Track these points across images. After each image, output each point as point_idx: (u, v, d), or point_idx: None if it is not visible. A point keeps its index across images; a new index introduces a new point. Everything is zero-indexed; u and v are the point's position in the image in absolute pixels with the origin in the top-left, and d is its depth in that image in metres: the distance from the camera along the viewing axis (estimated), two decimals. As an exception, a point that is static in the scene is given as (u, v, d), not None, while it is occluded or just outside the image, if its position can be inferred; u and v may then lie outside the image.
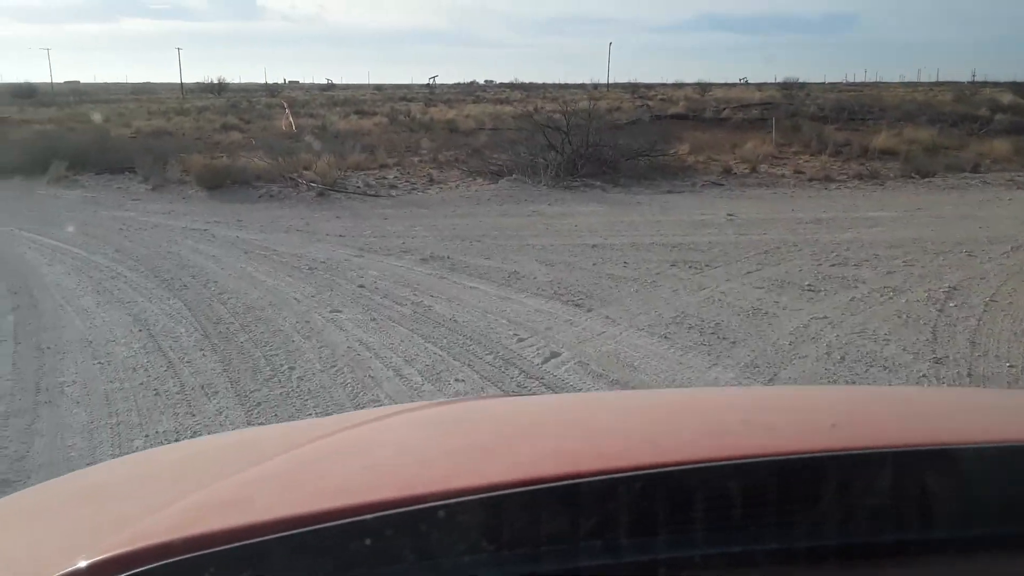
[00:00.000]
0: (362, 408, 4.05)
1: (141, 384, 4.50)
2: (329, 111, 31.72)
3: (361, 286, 6.64)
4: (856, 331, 5.35)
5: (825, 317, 5.65)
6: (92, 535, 0.68)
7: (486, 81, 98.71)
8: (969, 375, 4.61)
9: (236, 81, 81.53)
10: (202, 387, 4.47)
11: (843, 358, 4.88)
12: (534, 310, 5.97)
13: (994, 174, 13.33)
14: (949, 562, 0.62)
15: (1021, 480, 0.67)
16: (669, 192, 11.83)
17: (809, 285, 6.50)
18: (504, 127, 22.90)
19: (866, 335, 5.26)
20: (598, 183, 12.50)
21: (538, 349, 5.10)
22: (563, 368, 4.77)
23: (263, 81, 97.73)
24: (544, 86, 75.05)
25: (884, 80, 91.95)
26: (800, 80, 56.64)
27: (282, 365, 4.79)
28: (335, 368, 4.77)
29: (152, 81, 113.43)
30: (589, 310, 5.96)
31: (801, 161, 14.87)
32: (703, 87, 52.69)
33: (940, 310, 5.79)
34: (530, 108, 33.05)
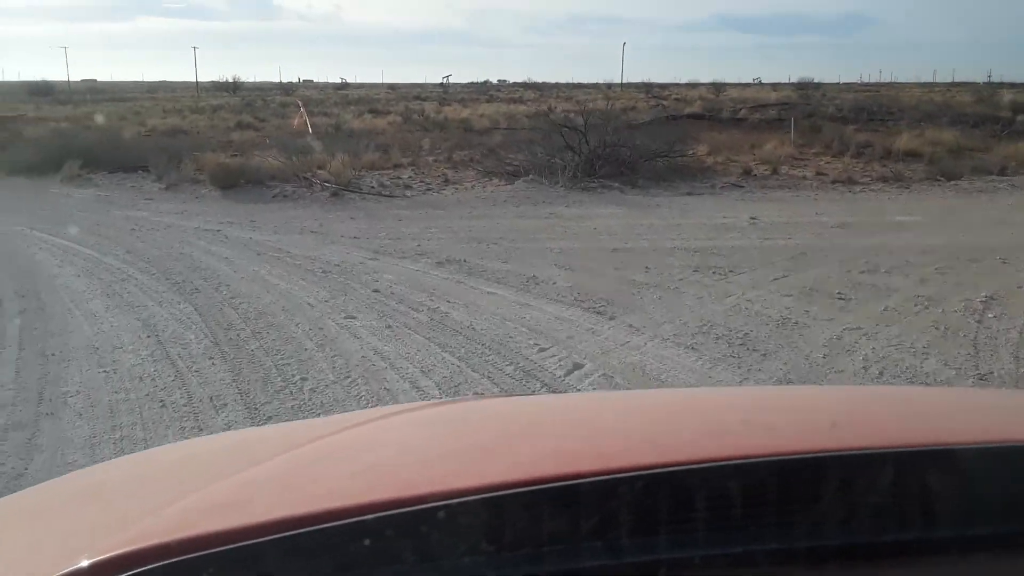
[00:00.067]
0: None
1: (147, 395, 4.33)
2: (343, 110, 31.66)
3: (376, 291, 6.46)
4: (893, 343, 5.11)
5: (859, 328, 5.41)
6: (91, 535, 0.67)
7: (499, 80, 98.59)
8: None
9: (251, 80, 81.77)
10: (211, 399, 4.29)
11: (881, 372, 4.64)
12: (554, 317, 5.76)
13: (1022, 177, 12.99)
14: (950, 562, 0.62)
15: (1022, 480, 0.67)
16: (688, 194, 11.59)
17: (840, 293, 6.26)
18: (518, 127, 22.73)
19: (904, 348, 5.02)
20: (616, 184, 12.28)
21: (560, 360, 4.90)
22: (587, 381, 4.56)
23: (278, 80, 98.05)
24: (557, 86, 74.87)
25: (899, 80, 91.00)
26: (815, 80, 56.14)
27: (294, 375, 4.61)
28: (349, 379, 4.59)
29: (168, 80, 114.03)
30: (611, 318, 5.75)
31: (822, 163, 14.58)
32: (717, 87, 52.31)
33: (979, 321, 5.54)
34: (544, 108, 32.98)
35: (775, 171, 13.22)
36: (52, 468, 3.47)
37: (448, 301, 6.18)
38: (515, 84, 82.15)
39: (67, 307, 5.98)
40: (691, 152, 14.57)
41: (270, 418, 4.04)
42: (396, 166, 14.39)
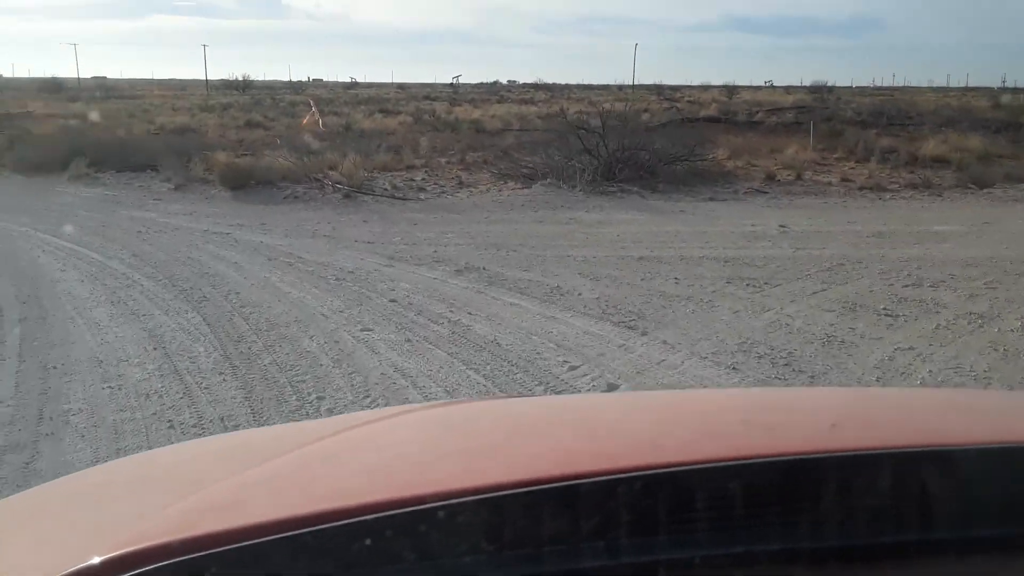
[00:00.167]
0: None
1: (154, 414, 4.03)
2: (353, 109, 31.40)
3: (393, 300, 6.14)
4: (950, 366, 4.76)
5: (911, 348, 5.07)
6: (92, 536, 0.67)
7: (508, 81, 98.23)
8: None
9: (261, 78, 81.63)
10: (221, 419, 3.98)
11: (942, 399, 4.30)
12: (583, 332, 5.44)
13: (1055, 186, 12.59)
14: (949, 563, 0.62)
15: (1021, 481, 0.66)
16: (711, 200, 11.24)
17: (885, 309, 5.91)
18: (531, 128, 22.44)
19: (963, 371, 4.68)
20: (635, 189, 11.95)
21: (592, 379, 4.57)
22: (625, 405, 4.22)
23: (287, 79, 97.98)
24: (567, 86, 74.56)
25: (911, 84, 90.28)
26: (828, 84, 55.61)
27: (309, 394, 4.30)
28: (368, 398, 4.27)
29: (178, 78, 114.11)
30: (644, 333, 5.42)
31: (847, 168, 14.20)
32: (730, 89, 51.87)
33: (1038, 341, 5.18)
34: (555, 109, 32.64)
35: (799, 177, 12.85)
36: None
37: (469, 313, 5.86)
38: (525, 85, 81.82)
39: (70, 315, 5.68)
40: (711, 156, 14.22)
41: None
42: (409, 167, 14.09)
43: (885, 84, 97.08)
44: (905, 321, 5.65)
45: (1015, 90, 50.98)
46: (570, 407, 1.06)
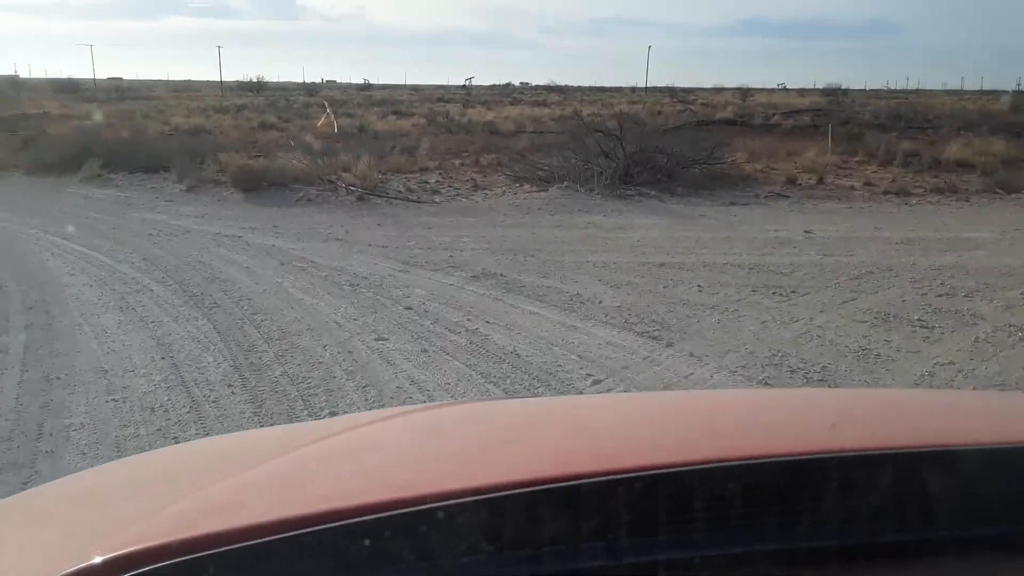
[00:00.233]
0: None
1: (159, 430, 3.85)
2: (367, 111, 31.30)
3: (408, 308, 5.95)
4: (995, 382, 4.52)
5: (951, 363, 4.82)
6: (91, 537, 0.66)
7: (521, 83, 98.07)
8: None
9: (274, 80, 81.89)
10: (229, 435, 3.79)
11: (990, 419, 4.06)
12: (605, 342, 5.23)
13: (1085, 191, 12.25)
14: (949, 563, 0.62)
15: (1021, 481, 0.66)
16: (732, 204, 10.99)
17: (920, 320, 5.66)
18: (545, 130, 22.24)
19: (1009, 389, 4.43)
20: (653, 192, 11.72)
21: (618, 395, 4.35)
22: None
23: (301, 80, 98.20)
24: (580, 89, 74.32)
25: (925, 88, 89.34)
26: (842, 86, 55.08)
27: (322, 409, 4.11)
28: (383, 414, 4.07)
29: (193, 79, 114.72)
30: (669, 344, 5.20)
31: (869, 172, 13.91)
32: (744, 92, 51.47)
33: (1085, 356, 4.93)
34: (569, 111, 32.49)
35: (821, 180, 12.57)
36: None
37: (487, 321, 5.66)
38: (537, 87, 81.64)
39: (76, 322, 5.52)
40: (730, 159, 13.95)
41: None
42: (423, 169, 13.91)
43: (899, 87, 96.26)
44: (942, 333, 5.40)
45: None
46: (569, 408, 1.06)
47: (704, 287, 6.62)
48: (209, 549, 0.56)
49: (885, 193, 11.70)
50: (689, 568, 0.58)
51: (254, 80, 58.22)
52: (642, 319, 5.77)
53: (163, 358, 4.80)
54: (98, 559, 0.57)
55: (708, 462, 0.62)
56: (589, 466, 0.62)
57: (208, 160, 13.45)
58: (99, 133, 17.72)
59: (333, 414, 4.04)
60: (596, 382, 4.53)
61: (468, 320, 5.68)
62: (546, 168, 13.03)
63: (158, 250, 7.93)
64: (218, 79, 73.63)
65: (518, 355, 4.95)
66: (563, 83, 79.06)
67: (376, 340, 5.20)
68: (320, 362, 4.78)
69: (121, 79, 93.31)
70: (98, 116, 24.50)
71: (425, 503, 0.59)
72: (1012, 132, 20.79)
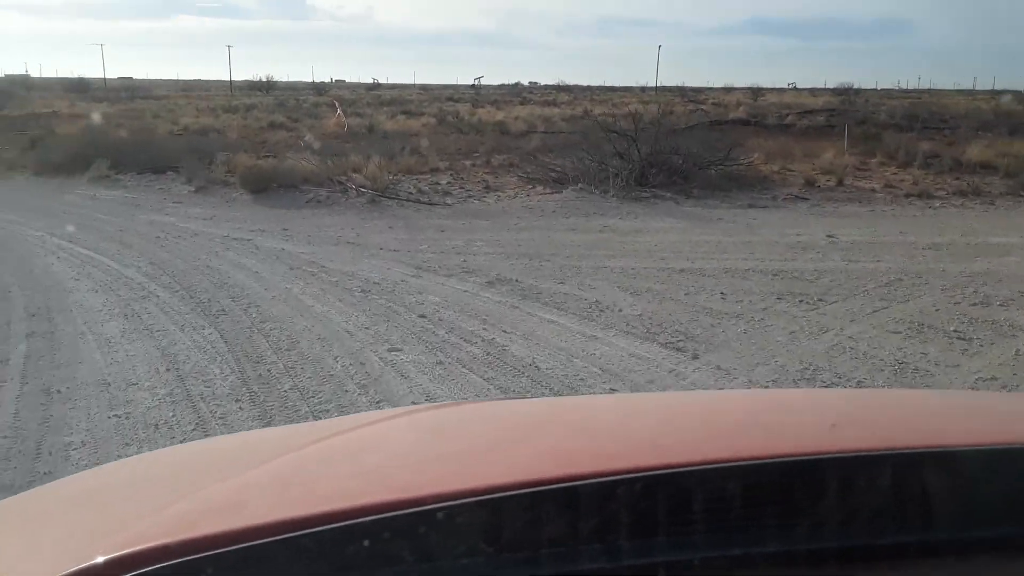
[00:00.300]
0: None
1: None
2: (376, 111, 31.14)
3: (422, 316, 5.75)
4: (1043, 400, 4.27)
5: (994, 377, 4.59)
6: (91, 538, 0.66)
7: (530, 83, 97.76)
8: None
9: (284, 79, 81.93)
10: (236, 455, 3.60)
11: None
12: (628, 354, 5.01)
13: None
14: (949, 564, 0.62)
15: (1021, 481, 0.66)
16: (750, 206, 10.75)
17: (956, 331, 5.42)
18: (556, 130, 22.02)
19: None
20: (669, 195, 11.48)
21: (644, 411, 4.13)
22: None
23: (310, 80, 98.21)
24: (589, 88, 74.02)
25: (937, 87, 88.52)
26: (854, 86, 54.59)
27: (334, 426, 3.90)
28: (398, 431, 3.87)
29: (202, 78, 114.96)
30: (695, 356, 4.98)
31: (888, 174, 13.63)
32: (755, 92, 51.08)
33: None
34: (579, 111, 32.24)
35: (840, 182, 12.31)
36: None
37: (503, 331, 5.45)
38: (547, 86, 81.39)
39: (80, 330, 5.34)
40: (746, 160, 13.69)
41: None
42: (434, 170, 13.72)
43: (910, 87, 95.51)
44: (980, 346, 5.16)
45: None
46: (569, 408, 1.05)
47: (727, 294, 6.39)
48: (209, 550, 0.55)
49: (907, 196, 11.43)
50: (689, 569, 0.58)
51: (263, 80, 58.25)
52: (665, 329, 5.55)
53: (168, 370, 4.61)
54: (98, 559, 0.56)
55: (708, 463, 0.62)
56: (589, 467, 0.62)
57: (217, 161, 13.29)
58: (107, 133, 17.60)
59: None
60: (620, 397, 4.31)
61: (484, 329, 5.47)
62: (559, 169, 12.81)
63: (165, 254, 7.76)
64: (228, 78, 73.70)
65: (537, 367, 4.75)
66: (572, 83, 78.83)
67: (389, 351, 5.00)
68: (331, 375, 4.58)
69: (131, 78, 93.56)
70: (96, 116, 24.42)
71: (425, 504, 0.58)
72: (1031, 132, 20.47)
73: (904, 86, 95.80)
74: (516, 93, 59.15)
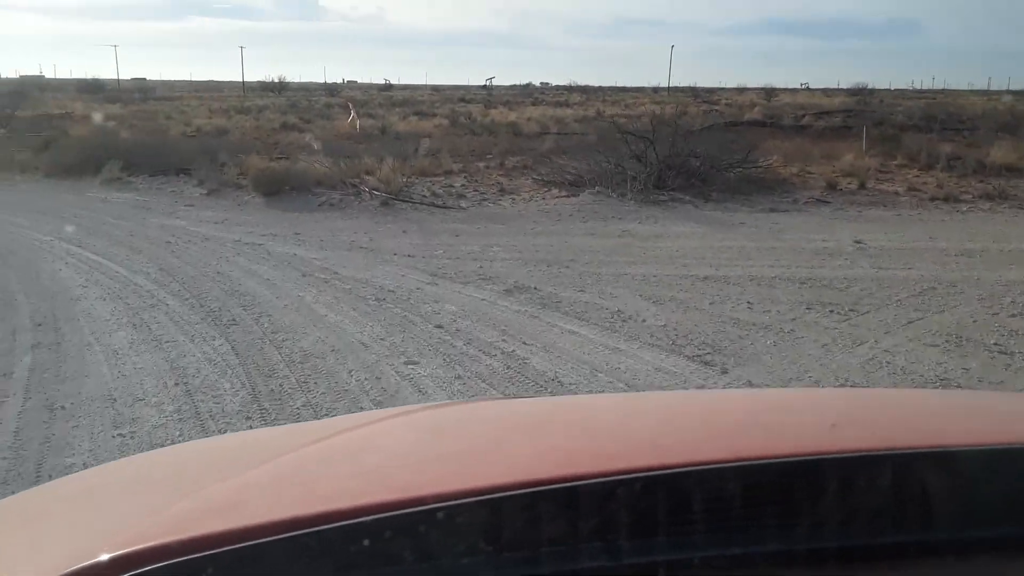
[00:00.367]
0: None
1: (169, 471, 3.47)
2: (388, 112, 31.03)
3: (439, 326, 5.55)
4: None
5: (1043, 396, 4.34)
6: (91, 537, 0.66)
7: (542, 83, 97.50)
8: None
9: (296, 80, 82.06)
10: (247, 479, 3.41)
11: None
12: (654, 368, 4.80)
13: None
14: (949, 564, 0.62)
15: (1021, 481, 0.66)
16: (772, 210, 10.50)
17: (997, 345, 5.18)
18: (569, 131, 21.82)
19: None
20: (687, 198, 11.24)
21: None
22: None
23: (322, 80, 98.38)
24: (601, 89, 73.71)
25: (951, 87, 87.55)
26: (868, 86, 54.03)
27: (349, 447, 3.71)
28: (416, 453, 3.68)
29: (215, 79, 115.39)
30: (724, 371, 4.77)
31: (911, 176, 13.33)
32: (768, 92, 50.64)
33: None
34: (591, 112, 32.02)
35: (863, 186, 12.03)
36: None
37: (523, 342, 5.25)
38: (558, 87, 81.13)
39: (86, 341, 5.18)
40: (765, 162, 13.43)
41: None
42: (447, 173, 13.55)
43: (924, 87, 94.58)
44: (1025, 360, 4.92)
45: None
46: (569, 408, 1.05)
47: (754, 304, 6.17)
48: (209, 549, 0.55)
49: (932, 199, 11.14)
50: (688, 569, 0.58)
51: (276, 80, 58.29)
52: (691, 341, 5.33)
53: (176, 384, 4.43)
54: (98, 559, 0.56)
55: (708, 463, 0.62)
56: (589, 466, 0.62)
57: (229, 163, 13.15)
58: (119, 134, 17.53)
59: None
60: (649, 416, 4.10)
61: (503, 341, 5.27)
62: (574, 172, 12.60)
63: (175, 259, 7.60)
64: (240, 79, 73.86)
65: (560, 382, 4.54)
66: (583, 83, 78.51)
67: (406, 364, 4.81)
68: (346, 390, 4.39)
69: (145, 79, 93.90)
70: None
71: (425, 503, 0.58)
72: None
73: (918, 86, 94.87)
74: (528, 94, 58.95)
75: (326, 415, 4.05)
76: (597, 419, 0.87)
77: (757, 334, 5.48)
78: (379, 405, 4.19)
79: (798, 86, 79.93)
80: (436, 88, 78.83)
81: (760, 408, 0.90)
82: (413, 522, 0.57)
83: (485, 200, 11.33)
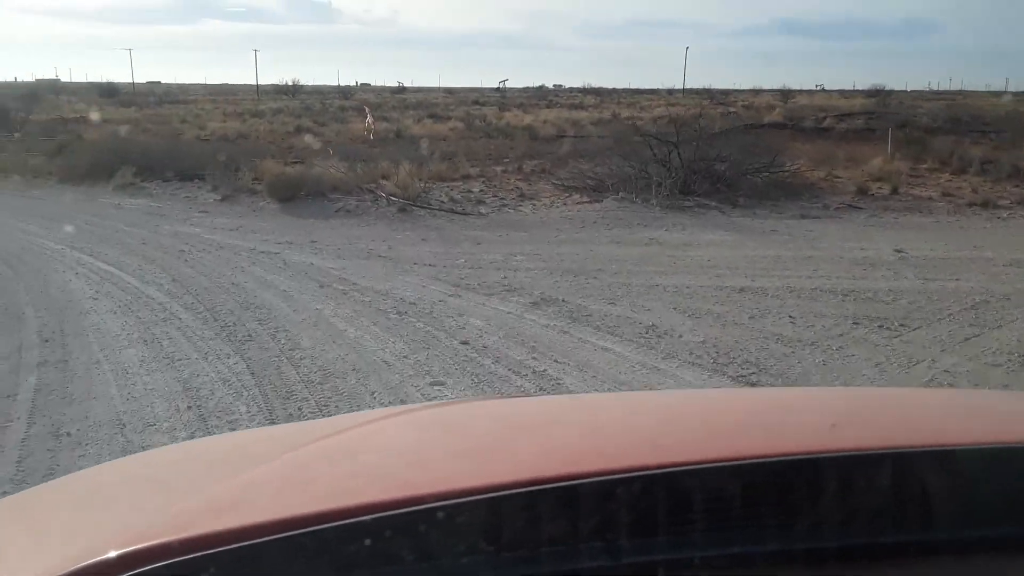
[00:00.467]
0: None
1: (181, 509, 3.19)
2: (402, 114, 30.85)
3: (464, 342, 5.26)
4: None
5: None
6: (91, 536, 0.65)
7: (555, 85, 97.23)
8: None
9: (310, 83, 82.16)
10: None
11: None
12: (697, 390, 4.47)
13: None
14: (948, 563, 0.62)
15: (1021, 481, 0.66)
16: (802, 216, 10.13)
17: (1066, 364, 4.82)
18: (586, 134, 21.51)
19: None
20: (713, 203, 10.91)
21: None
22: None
23: (336, 83, 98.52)
24: (615, 91, 73.39)
25: (968, 88, 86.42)
26: (885, 87, 53.39)
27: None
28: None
29: (230, 82, 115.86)
30: (773, 394, 4.43)
31: (943, 180, 12.94)
32: (784, 94, 50.11)
33: None
34: (607, 114, 31.71)
35: (895, 191, 11.64)
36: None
37: (555, 360, 4.94)
38: (572, 89, 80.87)
39: (95, 358, 4.92)
40: (792, 166, 13.05)
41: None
42: (465, 177, 13.27)
43: (941, 88, 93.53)
44: (1100, 383, 4.56)
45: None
46: (569, 407, 1.05)
47: (796, 318, 5.83)
48: (210, 548, 0.55)
49: (970, 205, 10.74)
50: (688, 568, 0.57)
51: (290, 83, 58.33)
52: (733, 359, 5.01)
53: (189, 407, 4.15)
54: (99, 558, 0.56)
55: (708, 462, 0.62)
56: (589, 466, 0.62)
57: (243, 168, 12.93)
58: (133, 139, 17.37)
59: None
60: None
61: (533, 359, 4.97)
62: (595, 176, 12.28)
63: (189, 269, 7.35)
64: (255, 82, 74.03)
65: (598, 406, 4.22)
66: (597, 85, 78.22)
67: (431, 385, 4.52)
68: (369, 415, 4.09)
69: (160, 82, 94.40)
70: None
71: (425, 502, 0.58)
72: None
73: (935, 87, 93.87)
74: (542, 96, 58.68)
75: (349, 444, 3.76)
76: (597, 418, 0.87)
77: (803, 351, 5.15)
78: (405, 432, 3.90)
79: (812, 87, 79.25)
80: (449, 90, 78.73)
81: (760, 407, 0.89)
82: (413, 521, 0.57)
83: (505, 206, 11.03)
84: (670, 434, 0.74)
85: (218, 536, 0.56)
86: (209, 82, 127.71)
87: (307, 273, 7.21)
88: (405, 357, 4.98)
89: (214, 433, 3.86)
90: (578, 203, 11.12)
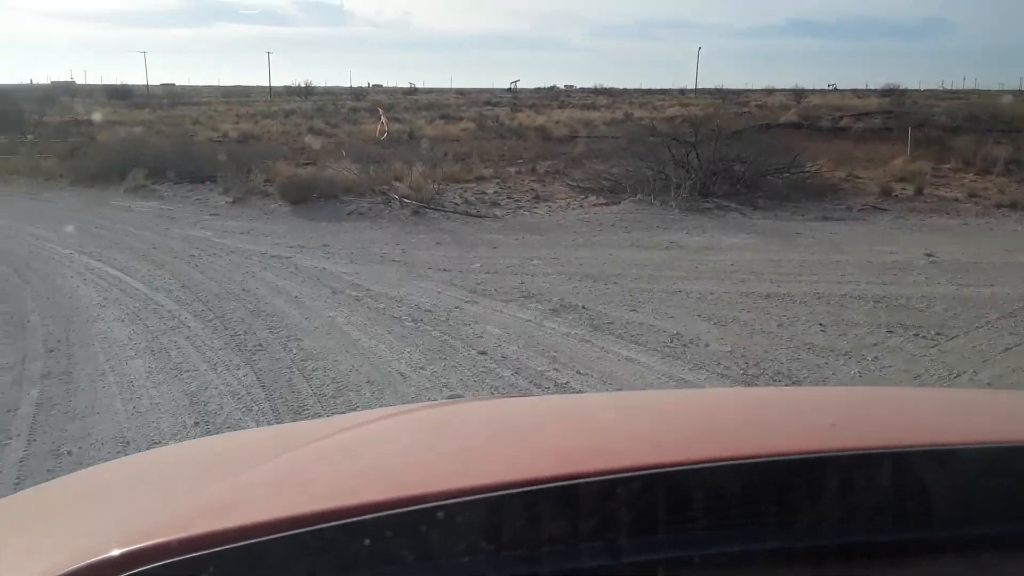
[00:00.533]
0: None
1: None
2: (414, 115, 30.72)
3: (482, 352, 5.06)
4: None
5: None
6: (91, 536, 0.65)
7: (567, 86, 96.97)
8: None
9: (322, 84, 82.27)
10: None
11: None
12: (728, 404, 4.25)
13: None
14: (948, 562, 0.62)
15: (1019, 480, 0.66)
16: (825, 219, 9.87)
17: (1117, 377, 4.57)
18: (599, 135, 21.28)
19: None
20: (733, 205, 10.66)
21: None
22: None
23: (348, 85, 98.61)
24: (627, 91, 73.06)
25: (982, 87, 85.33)
26: (900, 86, 52.83)
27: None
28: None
29: (243, 84, 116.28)
30: (808, 408, 4.20)
31: (967, 181, 12.63)
32: (797, 93, 49.65)
33: None
34: (620, 114, 31.45)
35: (919, 192, 11.35)
36: None
37: (578, 372, 4.74)
38: (584, 89, 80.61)
39: (100, 369, 4.75)
40: (812, 167, 12.77)
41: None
42: (479, 179, 13.07)
43: (955, 87, 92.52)
44: None
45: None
46: (569, 407, 1.04)
47: (827, 326, 5.59)
48: (209, 548, 0.54)
49: (998, 206, 10.44)
50: (688, 567, 0.57)
51: (302, 85, 58.42)
52: (764, 370, 4.78)
53: (196, 423, 3.97)
54: (99, 557, 0.55)
55: (708, 461, 0.61)
56: (589, 465, 0.61)
57: (255, 169, 12.78)
58: (146, 140, 17.29)
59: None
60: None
61: (555, 370, 4.76)
62: (611, 177, 12.06)
63: (199, 274, 7.18)
64: (267, 84, 74.20)
65: (625, 422, 4.01)
66: (609, 85, 77.91)
67: (450, 399, 4.31)
68: (385, 432, 3.90)
69: (173, 85, 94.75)
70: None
71: (425, 502, 0.57)
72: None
73: (948, 86, 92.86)
74: (554, 96, 58.47)
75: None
76: (596, 418, 0.87)
77: (837, 362, 4.92)
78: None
79: (824, 87, 78.59)
80: (461, 91, 78.66)
81: (760, 407, 0.89)
82: (413, 520, 0.56)
83: (520, 208, 10.82)
84: (670, 433, 0.75)
85: (218, 535, 0.56)
86: (223, 84, 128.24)
87: (319, 278, 7.03)
88: (421, 368, 4.79)
89: (222, 451, 3.68)
90: (595, 205, 10.91)
